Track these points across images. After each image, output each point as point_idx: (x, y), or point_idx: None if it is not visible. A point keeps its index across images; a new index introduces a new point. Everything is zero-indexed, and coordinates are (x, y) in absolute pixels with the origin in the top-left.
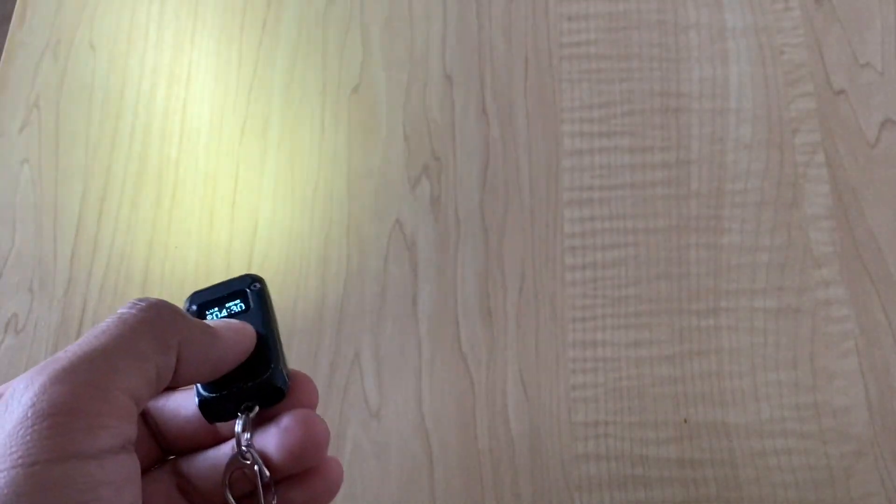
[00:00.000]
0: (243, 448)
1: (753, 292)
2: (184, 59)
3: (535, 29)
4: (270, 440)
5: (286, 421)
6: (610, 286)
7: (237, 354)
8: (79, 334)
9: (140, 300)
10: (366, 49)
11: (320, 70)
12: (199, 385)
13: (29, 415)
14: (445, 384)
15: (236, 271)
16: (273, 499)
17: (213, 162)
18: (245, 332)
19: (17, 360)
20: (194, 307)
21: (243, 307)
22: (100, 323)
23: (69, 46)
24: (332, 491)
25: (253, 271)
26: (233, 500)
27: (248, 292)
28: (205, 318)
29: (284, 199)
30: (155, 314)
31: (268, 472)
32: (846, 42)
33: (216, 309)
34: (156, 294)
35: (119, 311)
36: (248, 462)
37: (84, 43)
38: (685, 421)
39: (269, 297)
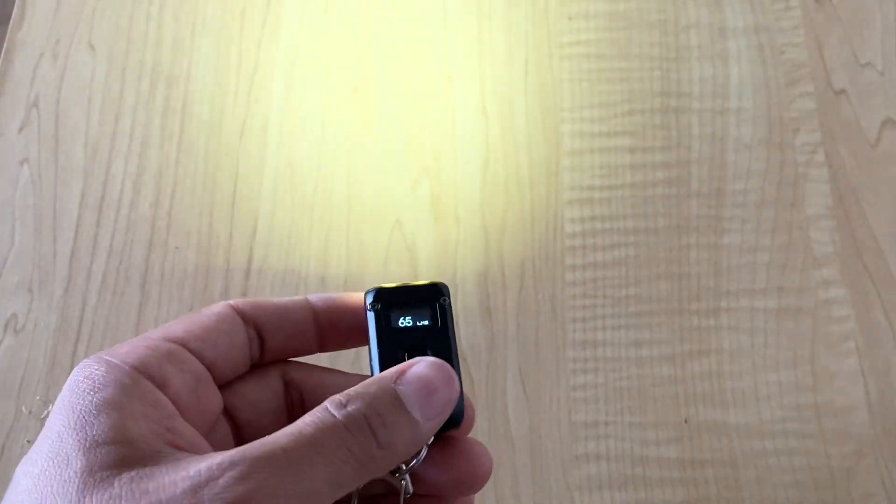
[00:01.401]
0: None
1: (754, 292)
2: (184, 59)
3: (535, 29)
4: (435, 462)
5: (459, 451)
6: (610, 286)
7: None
8: (78, 334)
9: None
10: (366, 49)
11: (320, 70)
12: None
13: None
14: None
15: (236, 271)
16: None
17: (213, 162)
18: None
19: (16, 360)
20: (379, 305)
21: (429, 323)
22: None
23: (69, 46)
24: (480, 479)
25: (253, 271)
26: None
27: (437, 307)
28: (390, 320)
29: (284, 199)
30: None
31: (412, 489)
32: (846, 42)
33: (404, 315)
34: (155, 293)
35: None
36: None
37: (84, 43)
38: (686, 421)
39: (453, 314)
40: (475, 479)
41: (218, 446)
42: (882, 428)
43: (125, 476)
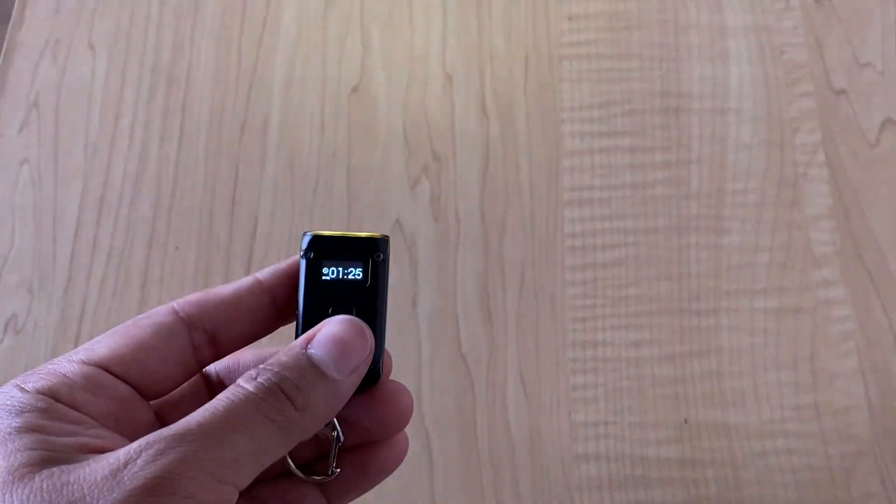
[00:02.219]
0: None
1: (754, 292)
2: (184, 59)
3: (535, 29)
4: (359, 409)
5: (379, 394)
6: (610, 286)
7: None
8: (78, 334)
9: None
10: (366, 49)
11: (320, 70)
12: None
13: None
14: (445, 384)
15: (236, 271)
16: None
17: (213, 162)
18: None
19: (16, 360)
20: (312, 253)
21: (360, 276)
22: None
23: (68, 46)
24: (405, 417)
25: (253, 271)
26: (294, 467)
27: (370, 261)
28: (321, 270)
29: (284, 199)
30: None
31: (343, 437)
32: (846, 42)
33: (334, 266)
34: (155, 293)
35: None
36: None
37: (83, 43)
38: (685, 421)
39: (387, 272)
40: (400, 418)
41: None
42: (882, 428)
43: (45, 472)
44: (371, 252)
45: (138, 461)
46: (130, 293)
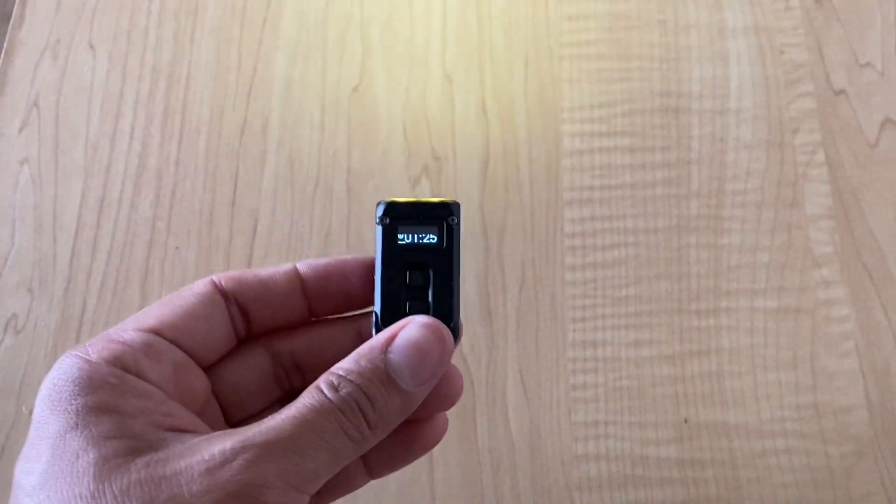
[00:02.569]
0: None
1: (753, 292)
2: (184, 59)
3: (535, 29)
4: None
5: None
6: (610, 286)
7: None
8: (78, 334)
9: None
10: (366, 49)
11: (320, 70)
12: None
13: None
14: None
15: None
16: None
17: (212, 162)
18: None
19: (16, 360)
20: (388, 219)
21: (435, 241)
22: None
23: (69, 46)
24: (455, 396)
25: None
26: None
27: (445, 224)
28: (396, 235)
29: (284, 199)
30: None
31: None
32: (846, 42)
33: (410, 230)
34: (155, 293)
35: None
36: None
37: (84, 43)
38: (685, 421)
39: (461, 236)
40: (451, 397)
41: (211, 426)
42: (882, 428)
43: (140, 461)
44: (445, 216)
45: (234, 464)
46: (130, 293)
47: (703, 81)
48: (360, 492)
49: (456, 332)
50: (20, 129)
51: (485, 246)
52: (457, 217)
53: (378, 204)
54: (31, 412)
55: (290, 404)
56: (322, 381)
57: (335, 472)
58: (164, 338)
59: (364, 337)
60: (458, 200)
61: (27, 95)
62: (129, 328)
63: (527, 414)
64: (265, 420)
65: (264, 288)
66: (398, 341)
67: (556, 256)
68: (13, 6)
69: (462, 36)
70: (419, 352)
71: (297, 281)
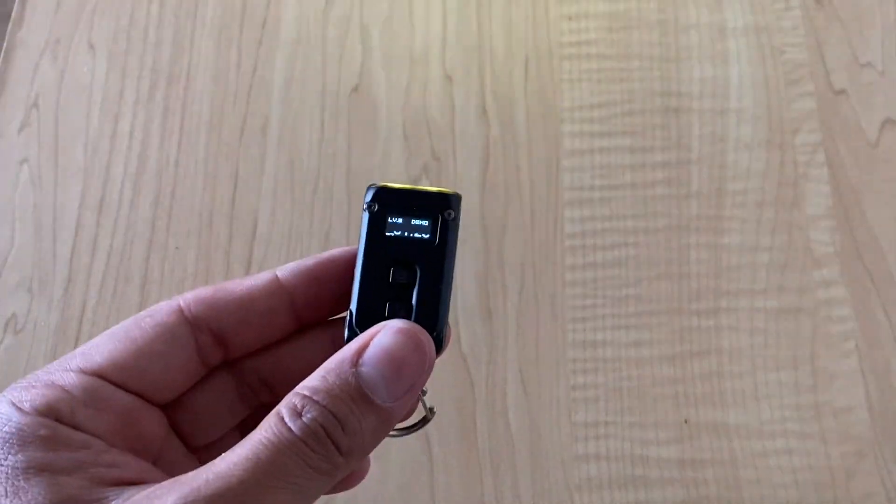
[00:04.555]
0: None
1: (754, 292)
2: (184, 59)
3: (535, 29)
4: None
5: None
6: (610, 286)
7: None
8: (78, 334)
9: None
10: (366, 49)
11: (320, 70)
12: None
13: None
14: (445, 384)
15: (236, 271)
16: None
17: (212, 162)
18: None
19: (16, 360)
20: (376, 206)
21: (427, 235)
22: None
23: (69, 46)
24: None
25: (253, 271)
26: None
27: (440, 218)
28: (384, 225)
29: (284, 199)
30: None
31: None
32: (846, 42)
33: (401, 221)
34: (155, 293)
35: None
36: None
37: (84, 43)
38: (685, 421)
39: (458, 233)
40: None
41: (173, 468)
42: (882, 428)
43: None
44: (442, 209)
45: None
46: (130, 293)
47: (703, 81)
48: (359, 491)
49: (440, 342)
50: (20, 129)
51: (485, 246)
52: (455, 211)
53: (368, 187)
54: None
55: (245, 438)
56: (283, 406)
57: None
58: (111, 381)
59: (336, 344)
60: (459, 193)
61: (27, 95)
62: (74, 367)
63: (527, 414)
64: (215, 462)
65: (241, 309)
66: (370, 350)
67: (556, 256)
68: (13, 6)
69: (462, 36)
70: (394, 362)
71: (280, 292)
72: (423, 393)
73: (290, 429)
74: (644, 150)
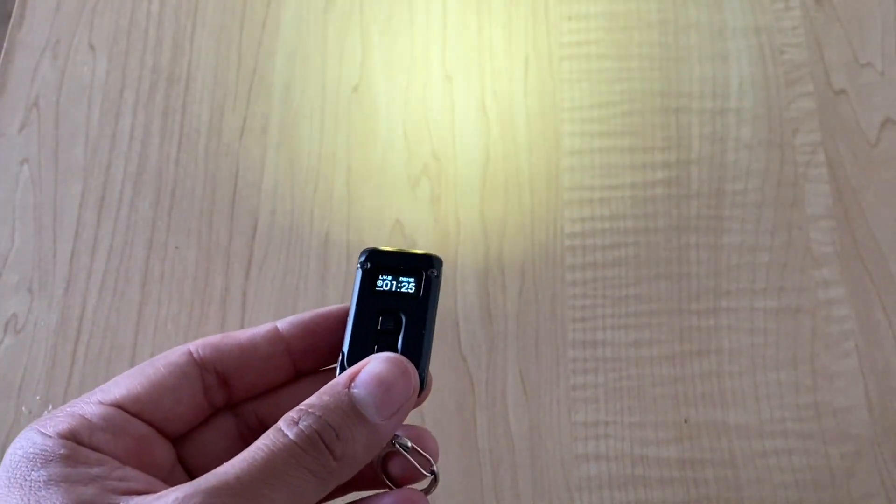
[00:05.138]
0: (404, 441)
1: (753, 292)
2: (184, 59)
3: (535, 29)
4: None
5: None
6: (610, 286)
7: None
8: (78, 334)
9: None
10: (366, 49)
11: (320, 70)
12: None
13: None
14: (445, 384)
15: (236, 272)
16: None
17: (212, 162)
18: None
19: (16, 360)
20: (369, 264)
21: (413, 290)
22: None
23: (69, 46)
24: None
25: (253, 271)
26: (385, 478)
27: (423, 275)
28: (376, 281)
29: (284, 199)
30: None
31: (409, 444)
32: (846, 42)
33: (390, 278)
34: (155, 293)
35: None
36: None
37: (84, 43)
38: (685, 421)
39: (439, 289)
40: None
41: None
42: (882, 428)
43: None
44: (426, 268)
45: None
46: (130, 293)
47: (703, 81)
48: None
49: (423, 382)
50: (20, 129)
51: (485, 246)
52: (437, 270)
53: (362, 251)
54: (31, 412)
55: (246, 448)
56: (281, 420)
57: None
58: (128, 411)
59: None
60: (441, 256)
61: (27, 95)
62: (94, 400)
63: (527, 414)
64: (221, 466)
65: (244, 354)
66: (361, 376)
67: (556, 256)
68: (13, 6)
69: (462, 36)
70: (382, 384)
71: (279, 342)
72: (436, 479)
73: (286, 435)
74: (644, 150)
